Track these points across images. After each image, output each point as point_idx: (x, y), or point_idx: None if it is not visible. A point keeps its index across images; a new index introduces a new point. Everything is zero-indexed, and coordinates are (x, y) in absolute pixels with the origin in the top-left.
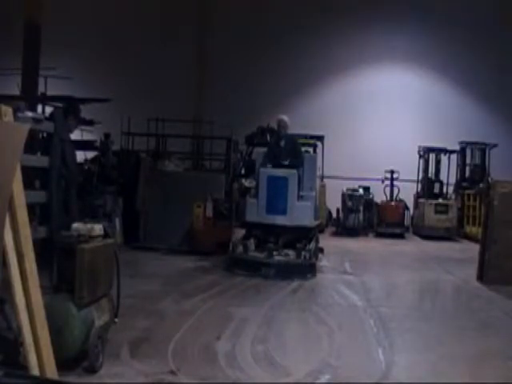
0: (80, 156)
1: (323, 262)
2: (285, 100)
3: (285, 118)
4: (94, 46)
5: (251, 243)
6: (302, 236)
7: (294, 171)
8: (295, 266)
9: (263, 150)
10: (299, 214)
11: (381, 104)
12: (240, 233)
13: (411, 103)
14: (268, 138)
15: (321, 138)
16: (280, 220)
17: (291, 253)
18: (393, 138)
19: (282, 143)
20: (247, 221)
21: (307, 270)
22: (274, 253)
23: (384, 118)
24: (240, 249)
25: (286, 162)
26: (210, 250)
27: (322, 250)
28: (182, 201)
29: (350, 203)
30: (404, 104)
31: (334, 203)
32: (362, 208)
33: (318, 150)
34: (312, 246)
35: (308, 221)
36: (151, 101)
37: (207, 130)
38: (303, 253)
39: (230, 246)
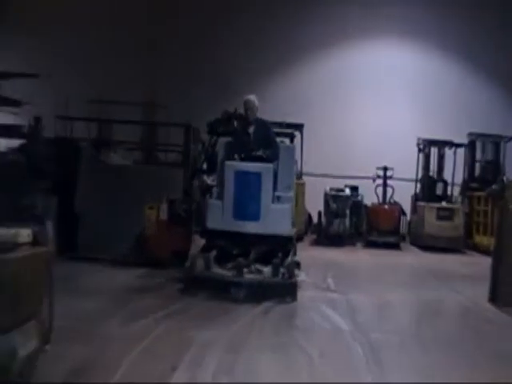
0: (2, 144)
1: (301, 276)
2: (256, 83)
3: (252, 97)
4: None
5: (213, 257)
6: (279, 247)
7: (270, 165)
8: (271, 287)
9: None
10: (275, 219)
11: (372, 87)
12: (201, 242)
13: (409, 86)
14: (236, 125)
15: (299, 127)
16: (251, 227)
17: (266, 269)
18: (386, 128)
19: (251, 130)
20: (209, 228)
21: (286, 291)
22: (245, 269)
23: (376, 105)
24: (201, 264)
25: (260, 153)
26: (164, 261)
27: (298, 265)
28: (131, 201)
29: (334, 206)
30: (400, 87)
31: (314, 205)
32: (348, 212)
33: (296, 142)
34: (290, 259)
35: (286, 228)
36: (94, 80)
37: (162, 116)
38: (281, 269)
39: (188, 260)
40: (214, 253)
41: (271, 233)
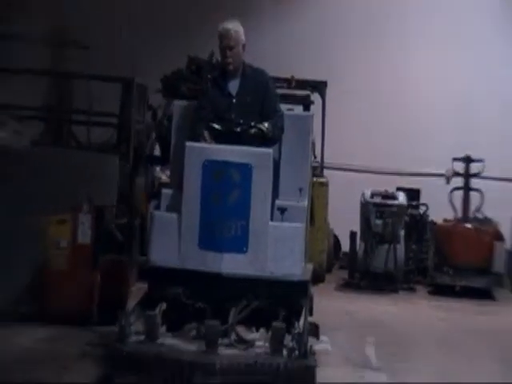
0: None
1: (322, 342)
2: (246, 15)
3: (231, 25)
4: None
5: (161, 317)
6: (282, 301)
7: (267, 151)
8: (270, 374)
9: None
10: (277, 249)
11: (439, 20)
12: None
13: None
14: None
15: (320, 88)
16: (231, 265)
17: (259, 341)
18: (469, 90)
19: (234, 86)
20: (154, 265)
21: (296, 381)
22: (220, 341)
23: (447, 51)
24: (138, 330)
25: (253, 131)
26: (82, 316)
27: (316, 328)
28: (24, 210)
29: (378, 223)
30: (495, 17)
31: (344, 222)
32: (403, 233)
33: (315, 112)
34: (302, 323)
35: (296, 265)
36: None
37: (81, 64)
38: (288, 342)
39: (118, 324)
40: (162, 308)
41: (268, 276)
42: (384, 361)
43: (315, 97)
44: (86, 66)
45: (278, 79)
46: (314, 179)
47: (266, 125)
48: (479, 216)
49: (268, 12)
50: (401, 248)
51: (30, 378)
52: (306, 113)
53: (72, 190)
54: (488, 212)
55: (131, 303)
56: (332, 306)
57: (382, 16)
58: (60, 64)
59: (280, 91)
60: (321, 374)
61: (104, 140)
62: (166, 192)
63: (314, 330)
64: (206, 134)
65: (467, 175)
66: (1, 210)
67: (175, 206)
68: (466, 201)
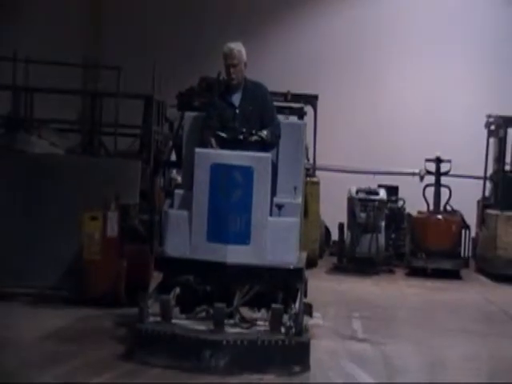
0: None
1: (315, 318)
2: (248, 39)
3: (235, 45)
4: None
5: (175, 301)
6: (281, 286)
7: (266, 156)
8: (270, 349)
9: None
10: (274, 242)
11: (415, 42)
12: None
13: (475, 39)
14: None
15: (312, 100)
16: (236, 255)
17: (260, 321)
18: (439, 101)
19: (237, 98)
20: (168, 256)
21: (293, 355)
22: (227, 321)
23: (422, 68)
24: (155, 312)
25: (253, 138)
26: (112, 298)
27: (310, 307)
28: (63, 208)
29: (362, 215)
30: (460, 41)
31: (333, 215)
32: (383, 224)
33: (308, 121)
34: (298, 304)
35: (291, 255)
36: (7, 30)
37: (110, 84)
38: (286, 321)
39: (139, 306)
40: (175, 294)
41: (268, 264)
42: (368, 333)
43: (308, 108)
44: (115, 84)
45: (276, 93)
46: (308, 179)
47: (265, 132)
48: (448, 208)
49: (269, 38)
50: (381, 236)
51: (61, 351)
52: (300, 121)
53: (101, 190)
54: (455, 205)
55: (152, 286)
56: (323, 286)
57: (360, 42)
58: (93, 84)
59: (278, 104)
60: (314, 344)
61: (129, 148)
62: (178, 192)
63: (308, 309)
64: (212, 141)
65: (438, 174)
66: (49, 209)
67: (186, 204)
68: (436, 196)
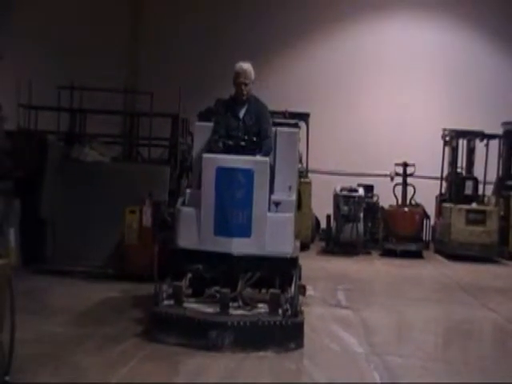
0: None
1: (308, 290)
2: (254, 65)
3: (245, 65)
4: None
5: (186, 286)
6: (278, 272)
7: (265, 159)
8: (269, 329)
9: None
10: (273, 234)
11: (388, 71)
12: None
13: (433, 69)
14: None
15: (305, 117)
16: (239, 246)
17: (260, 303)
18: (406, 118)
19: (242, 112)
20: (180, 247)
21: (289, 334)
22: (231, 304)
23: (393, 91)
24: (168, 296)
25: (254, 145)
26: (147, 274)
27: (303, 288)
28: (109, 204)
29: (345, 208)
30: (422, 70)
31: (322, 208)
32: (362, 215)
33: (302, 134)
34: (294, 289)
35: (287, 246)
36: (64, 63)
37: (145, 105)
38: (283, 304)
39: (153, 290)
40: (187, 280)
41: (268, 254)
42: (350, 301)
43: (301, 124)
44: (149, 105)
45: (276, 112)
46: (301, 180)
47: (265, 142)
48: (413, 202)
49: (272, 65)
50: (360, 225)
51: (112, 318)
52: (294, 129)
53: (139, 190)
54: (419, 200)
55: (158, 284)
56: (314, 264)
57: (345, 71)
58: (131, 105)
59: (277, 120)
60: (307, 311)
61: (160, 156)
62: (189, 192)
63: (302, 290)
64: (220, 145)
65: (404, 175)
66: (99, 204)
67: (196, 202)
68: (404, 192)
